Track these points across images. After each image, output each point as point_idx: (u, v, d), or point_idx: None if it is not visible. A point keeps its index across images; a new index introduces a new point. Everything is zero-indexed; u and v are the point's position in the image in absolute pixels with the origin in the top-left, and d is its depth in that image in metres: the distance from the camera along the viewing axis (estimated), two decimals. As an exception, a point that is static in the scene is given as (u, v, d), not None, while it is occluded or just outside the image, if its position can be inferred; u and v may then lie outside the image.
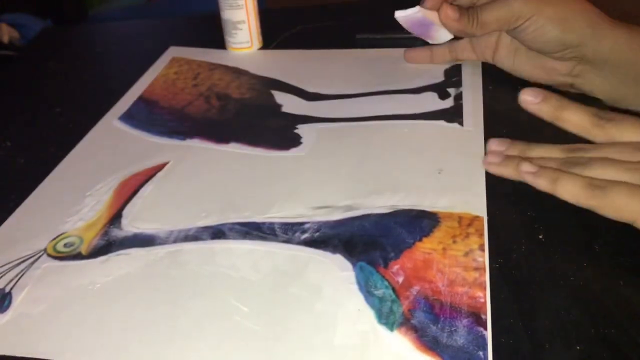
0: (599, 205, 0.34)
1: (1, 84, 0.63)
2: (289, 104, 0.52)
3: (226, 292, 0.34)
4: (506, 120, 0.45)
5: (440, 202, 0.38)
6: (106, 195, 0.42)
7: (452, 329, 0.30)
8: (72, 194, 0.43)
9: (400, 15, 0.50)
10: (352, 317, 0.31)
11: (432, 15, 0.49)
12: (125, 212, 0.41)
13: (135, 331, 0.32)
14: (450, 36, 0.51)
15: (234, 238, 0.37)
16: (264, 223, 0.38)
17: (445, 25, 0.48)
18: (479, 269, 0.33)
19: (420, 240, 0.36)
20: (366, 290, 0.33)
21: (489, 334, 0.30)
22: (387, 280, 0.33)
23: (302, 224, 0.38)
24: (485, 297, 0.32)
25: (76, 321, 0.33)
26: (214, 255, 0.36)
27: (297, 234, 0.37)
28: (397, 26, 0.51)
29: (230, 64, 0.60)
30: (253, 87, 0.55)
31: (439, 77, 0.53)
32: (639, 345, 0.29)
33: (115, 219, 0.40)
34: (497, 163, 0.39)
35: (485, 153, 0.41)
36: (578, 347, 0.29)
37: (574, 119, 0.38)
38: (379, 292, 0.32)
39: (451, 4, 0.48)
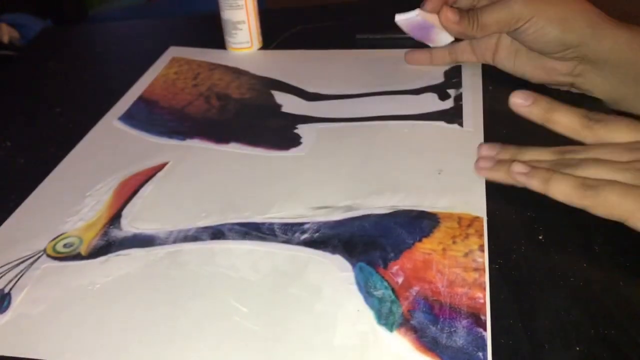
0: (592, 204, 0.34)
1: (1, 84, 0.63)
2: (289, 104, 0.52)
3: (226, 292, 0.34)
4: (506, 120, 0.45)
5: (440, 202, 0.38)
6: (106, 195, 0.42)
7: (452, 329, 0.30)
8: (72, 194, 0.43)
9: (400, 19, 0.50)
10: (352, 318, 0.31)
11: (432, 18, 0.49)
12: (125, 212, 0.41)
13: (135, 331, 0.32)
14: (451, 39, 0.51)
15: (234, 238, 0.37)
16: (263, 223, 0.38)
17: (445, 27, 0.48)
18: (479, 269, 0.33)
19: (420, 240, 0.36)
20: (366, 290, 0.33)
21: (488, 334, 0.30)
22: (386, 280, 0.33)
23: (301, 224, 0.38)
24: (485, 297, 0.32)
25: (76, 322, 0.33)
26: (213, 256, 0.36)
27: (297, 234, 0.37)
28: (397, 26, 0.51)
29: (230, 64, 0.59)
30: (253, 87, 0.55)
31: (439, 78, 0.53)
32: (639, 345, 0.29)
33: (115, 219, 0.40)
34: (488, 167, 0.39)
35: (481, 156, 0.41)
36: (578, 347, 0.29)
37: (564, 121, 0.38)
38: (378, 293, 0.32)
39: (451, 6, 0.48)
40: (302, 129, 0.48)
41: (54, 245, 0.38)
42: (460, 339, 0.29)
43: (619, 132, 0.37)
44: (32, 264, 0.37)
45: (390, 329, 0.30)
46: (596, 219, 0.34)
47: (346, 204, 0.39)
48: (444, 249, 0.35)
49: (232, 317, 0.32)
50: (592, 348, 0.29)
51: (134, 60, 0.63)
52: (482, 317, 0.30)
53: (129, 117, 0.52)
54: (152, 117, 0.52)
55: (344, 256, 0.35)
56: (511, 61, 0.50)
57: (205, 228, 0.38)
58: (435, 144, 0.44)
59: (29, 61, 0.69)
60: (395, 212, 0.38)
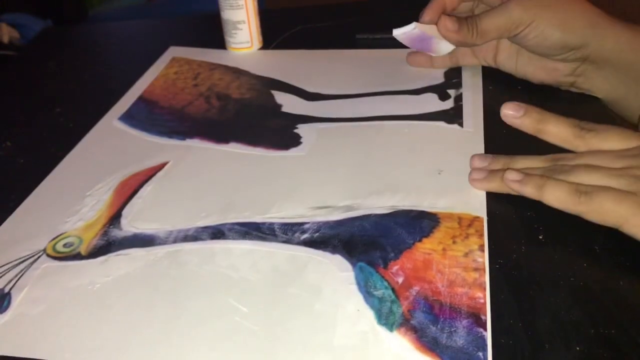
0: (586, 210, 0.34)
1: (1, 84, 0.63)
2: (289, 104, 0.52)
3: (226, 292, 0.34)
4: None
5: (440, 202, 0.38)
6: (106, 195, 0.42)
7: (452, 329, 0.30)
8: (72, 193, 0.43)
9: (398, 33, 0.50)
10: (352, 318, 0.31)
11: (431, 29, 0.49)
12: (125, 212, 0.40)
13: (134, 331, 0.32)
14: (451, 47, 0.51)
15: (234, 238, 0.37)
16: (263, 223, 0.38)
17: (445, 37, 0.48)
18: (479, 269, 0.33)
19: (420, 240, 0.36)
20: (366, 290, 0.33)
21: (488, 334, 0.30)
22: (386, 280, 0.33)
23: (301, 224, 0.38)
24: (485, 297, 0.32)
25: (75, 321, 0.33)
26: (213, 256, 0.36)
27: (297, 234, 0.37)
28: (397, 26, 0.51)
29: (231, 64, 0.59)
30: (253, 87, 0.55)
31: (439, 79, 0.53)
32: (639, 345, 0.29)
33: (115, 219, 0.40)
34: (481, 179, 0.39)
35: (474, 168, 0.41)
36: (578, 347, 0.29)
37: (555, 131, 0.38)
38: (378, 293, 0.32)
39: (449, 15, 0.48)
40: (302, 129, 0.48)
41: (54, 245, 0.38)
42: (460, 339, 0.29)
43: (611, 141, 0.37)
44: (32, 263, 0.37)
45: (390, 329, 0.30)
46: (596, 220, 0.34)
47: (346, 204, 0.39)
48: (444, 249, 0.35)
49: (232, 317, 0.32)
50: (592, 348, 0.29)
51: (134, 60, 0.63)
52: (482, 317, 0.30)
53: (129, 117, 0.52)
54: (152, 117, 0.52)
55: (344, 256, 0.35)
56: (512, 62, 0.50)
57: (205, 228, 0.38)
58: (435, 144, 0.44)
59: (29, 61, 0.69)
60: (395, 212, 0.38)
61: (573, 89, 0.49)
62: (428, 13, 0.49)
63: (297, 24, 0.66)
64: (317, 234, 0.37)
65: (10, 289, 0.35)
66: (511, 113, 0.39)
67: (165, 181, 0.43)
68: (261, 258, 0.36)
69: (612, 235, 0.34)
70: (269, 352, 0.30)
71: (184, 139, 0.48)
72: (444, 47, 0.51)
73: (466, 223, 0.36)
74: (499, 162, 0.39)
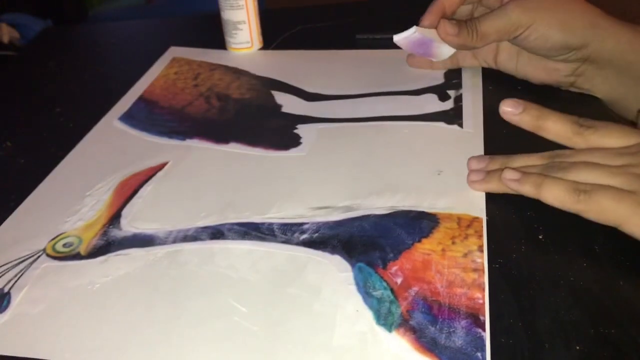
0: (585, 209, 0.34)
1: (1, 84, 0.63)
2: (289, 104, 0.52)
3: (225, 292, 0.34)
4: (506, 121, 0.45)
5: (439, 203, 0.38)
6: (106, 195, 0.42)
7: (451, 330, 0.30)
8: (72, 193, 0.43)
9: (398, 38, 0.50)
10: (351, 318, 0.31)
11: (431, 33, 0.49)
12: (124, 212, 0.41)
13: (134, 331, 0.32)
14: (452, 51, 0.51)
15: (233, 238, 0.37)
16: (263, 223, 0.38)
17: (445, 41, 0.48)
18: (478, 270, 0.33)
19: (419, 241, 0.36)
20: (365, 291, 0.33)
21: (487, 335, 0.30)
22: (385, 281, 0.33)
23: (301, 224, 0.38)
24: (484, 298, 0.32)
25: (75, 321, 0.33)
26: (213, 256, 0.36)
27: (296, 234, 0.37)
28: (397, 26, 0.51)
29: (231, 64, 0.60)
30: (253, 87, 0.55)
31: (439, 79, 0.53)
32: (639, 345, 0.29)
33: (115, 219, 0.40)
34: (480, 180, 0.39)
35: (471, 170, 0.40)
36: (578, 347, 0.29)
37: (554, 128, 0.38)
38: (377, 293, 0.32)
39: (449, 19, 0.48)
40: (302, 129, 0.48)
41: (54, 244, 0.38)
42: (459, 340, 0.29)
43: (610, 138, 0.37)
44: (31, 263, 0.37)
45: (389, 329, 0.30)
46: (596, 220, 0.34)
47: (346, 204, 0.39)
48: (443, 250, 0.35)
49: (231, 317, 0.32)
50: (592, 348, 0.29)
51: (134, 60, 0.64)
52: (481, 318, 0.30)
53: (129, 117, 0.52)
54: (152, 117, 0.52)
55: (343, 256, 0.35)
56: (513, 63, 0.50)
57: (205, 228, 0.38)
58: (435, 145, 0.44)
59: (29, 61, 0.69)
60: (394, 212, 0.38)
61: (573, 89, 0.49)
62: (428, 17, 0.49)
63: (297, 24, 0.66)
64: (316, 235, 0.37)
65: (10, 288, 0.35)
66: (510, 110, 0.39)
67: (165, 181, 0.43)
68: (260, 258, 0.36)
69: (612, 235, 0.34)
70: (268, 352, 0.30)
71: (184, 139, 0.48)
72: (445, 51, 0.51)
73: (465, 224, 0.36)
74: (497, 163, 0.39)
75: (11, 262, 0.37)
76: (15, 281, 0.36)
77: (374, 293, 0.32)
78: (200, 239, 0.38)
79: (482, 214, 0.37)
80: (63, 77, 0.62)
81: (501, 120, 0.39)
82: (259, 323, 0.32)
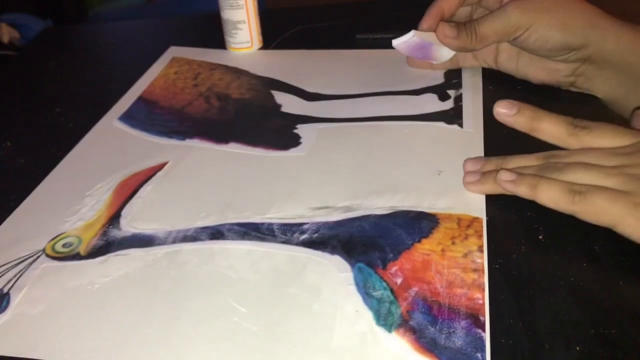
0: (580, 210, 0.34)
1: (1, 84, 0.63)
2: (289, 104, 0.52)
3: (225, 292, 0.34)
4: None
5: (439, 203, 0.38)
6: (105, 195, 0.42)
7: (451, 330, 0.30)
8: (72, 193, 0.43)
9: (397, 43, 0.50)
10: (351, 318, 0.31)
11: (429, 37, 0.49)
12: (124, 212, 0.40)
13: (133, 332, 0.32)
14: (451, 53, 0.51)
15: (233, 239, 0.37)
16: (262, 223, 0.38)
17: (444, 43, 0.48)
18: (478, 270, 0.33)
19: (419, 241, 0.36)
20: (364, 291, 0.33)
21: (487, 335, 0.30)
22: (385, 281, 0.33)
23: (301, 224, 0.38)
24: (484, 298, 0.31)
25: (75, 322, 0.33)
26: (212, 256, 0.36)
27: (296, 234, 0.37)
28: (397, 26, 0.51)
29: (231, 64, 0.59)
30: (253, 87, 0.55)
31: (439, 79, 0.53)
32: (639, 345, 0.29)
33: (114, 219, 0.40)
34: (475, 181, 0.39)
35: (467, 171, 0.40)
36: (578, 347, 0.29)
37: (549, 129, 0.38)
38: (377, 293, 0.32)
39: (448, 21, 0.48)
40: (301, 129, 0.48)
41: (53, 245, 0.38)
42: (458, 340, 0.29)
43: (605, 138, 0.37)
44: (31, 263, 0.37)
45: (389, 330, 0.30)
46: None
47: (345, 205, 0.39)
48: (443, 250, 0.35)
49: (231, 317, 0.32)
50: (592, 348, 0.29)
51: (134, 60, 0.63)
52: (481, 318, 0.30)
53: (129, 117, 0.52)
54: (152, 117, 0.52)
55: (343, 257, 0.35)
56: (513, 64, 0.50)
57: (205, 228, 0.38)
58: (435, 145, 0.44)
59: (29, 61, 0.69)
60: (394, 212, 0.38)
61: (573, 89, 0.49)
62: (426, 20, 0.49)
63: (297, 24, 0.66)
64: (316, 235, 0.37)
65: (10, 289, 0.35)
66: (504, 111, 0.39)
67: (164, 181, 0.43)
68: (260, 258, 0.36)
69: (612, 235, 0.34)
70: (268, 352, 0.30)
71: (183, 139, 0.48)
72: (444, 54, 0.51)
73: (465, 224, 0.36)
74: (492, 164, 0.39)
75: (11, 262, 0.37)
76: (15, 281, 0.36)
77: (374, 293, 0.32)
78: (200, 239, 0.37)
79: (482, 214, 0.37)
80: (63, 77, 0.62)
81: (501, 120, 0.39)
82: (258, 323, 0.32)
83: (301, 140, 0.47)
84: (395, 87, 0.52)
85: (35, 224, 0.40)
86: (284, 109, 0.51)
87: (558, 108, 0.39)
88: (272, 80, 0.56)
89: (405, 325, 0.30)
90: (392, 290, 0.32)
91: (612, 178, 0.34)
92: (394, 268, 0.34)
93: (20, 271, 0.36)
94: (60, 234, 0.39)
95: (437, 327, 0.30)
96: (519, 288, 0.32)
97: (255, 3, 0.60)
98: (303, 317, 0.32)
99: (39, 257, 0.37)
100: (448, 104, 0.49)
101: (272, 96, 0.53)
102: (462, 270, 0.33)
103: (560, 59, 0.46)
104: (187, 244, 0.37)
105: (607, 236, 0.34)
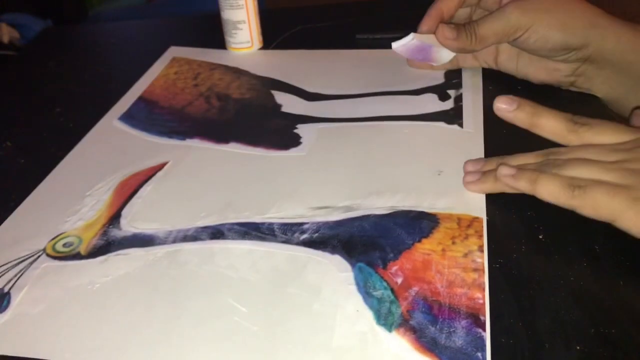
0: (579, 204, 0.33)
1: (1, 84, 0.63)
2: (289, 104, 0.52)
3: (225, 292, 0.34)
4: (506, 121, 0.45)
5: (439, 203, 0.38)
6: (106, 195, 0.42)
7: (451, 330, 0.30)
8: (72, 193, 0.43)
9: (397, 46, 0.50)
10: (351, 318, 0.31)
11: (429, 39, 0.49)
12: (124, 212, 0.40)
13: (134, 331, 0.32)
14: (452, 55, 0.51)
15: (233, 238, 0.37)
16: (263, 223, 0.38)
17: (444, 45, 0.48)
18: (478, 270, 0.33)
19: (419, 241, 0.36)
20: (365, 291, 0.33)
21: (487, 335, 0.30)
22: (386, 281, 0.33)
23: (301, 224, 0.38)
24: (484, 298, 0.32)
25: (75, 321, 0.33)
26: (213, 256, 0.36)
27: (296, 234, 0.37)
28: (397, 26, 0.51)
29: (231, 64, 0.59)
30: (253, 87, 0.55)
31: (439, 79, 0.53)
32: (639, 345, 0.29)
33: (115, 218, 0.40)
34: (475, 180, 0.39)
35: (467, 172, 0.40)
36: (578, 347, 0.29)
37: (549, 125, 0.38)
38: (377, 293, 0.32)
39: (447, 23, 0.48)
40: (302, 129, 0.48)
41: (54, 244, 0.38)
42: (459, 340, 0.29)
43: (605, 135, 0.37)
44: (31, 263, 0.37)
45: (389, 329, 0.30)
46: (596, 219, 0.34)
47: (346, 204, 0.39)
48: (443, 250, 0.35)
49: (231, 317, 0.32)
50: (592, 348, 0.29)
51: (134, 60, 0.63)
52: (482, 318, 0.30)
53: (129, 117, 0.52)
54: (152, 117, 0.52)
55: (343, 256, 0.35)
56: (513, 64, 0.50)
57: (205, 228, 0.38)
58: (435, 145, 0.44)
59: (29, 61, 0.69)
60: (394, 212, 0.38)
61: (573, 88, 0.49)
62: (426, 22, 0.49)
63: (297, 24, 0.66)
64: (316, 234, 0.37)
65: (10, 288, 0.35)
66: (504, 107, 0.38)
67: (165, 181, 0.43)
68: (260, 258, 0.36)
69: (612, 235, 0.34)
70: (268, 352, 0.30)
71: (183, 139, 0.48)
72: (444, 55, 0.51)
73: (465, 224, 0.36)
74: (492, 163, 0.39)
75: (11, 262, 0.37)
76: (15, 281, 0.36)
77: (374, 293, 0.32)
78: (200, 239, 0.37)
79: (482, 214, 0.37)
80: (63, 77, 0.62)
81: (501, 120, 0.39)
82: (259, 323, 0.32)
83: (301, 140, 0.47)
84: (396, 87, 0.52)
85: (36, 223, 0.40)
86: (284, 109, 0.51)
87: (557, 107, 0.39)
88: (273, 80, 0.56)
89: (405, 324, 0.30)
90: (392, 290, 0.32)
91: (611, 173, 0.34)
92: (394, 268, 0.34)
93: (20, 271, 0.36)
94: (61, 234, 0.39)
95: (438, 326, 0.30)
96: (519, 288, 0.32)
97: (256, 3, 0.60)
98: (303, 316, 0.32)
99: (39, 256, 0.37)
100: (448, 104, 0.49)
101: (272, 96, 0.53)
102: (462, 270, 0.33)
103: (561, 59, 0.46)
104: (187, 243, 0.37)
105: (607, 236, 0.35)
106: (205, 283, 0.34)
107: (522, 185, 0.35)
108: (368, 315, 0.31)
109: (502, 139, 0.44)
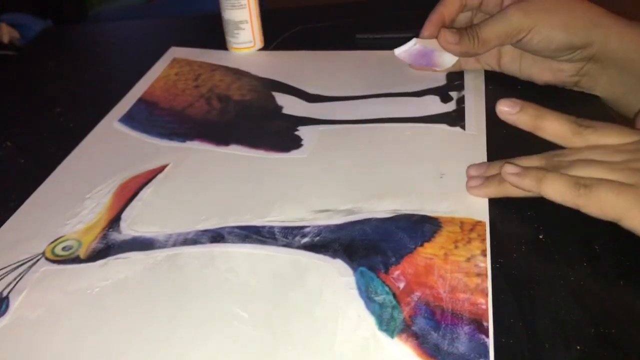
0: (585, 203, 0.33)
1: (1, 84, 0.63)
2: (290, 105, 0.52)
3: (225, 296, 0.33)
4: (508, 123, 0.45)
5: (441, 206, 0.38)
6: (105, 197, 0.42)
7: (454, 335, 0.30)
8: (72, 196, 0.42)
9: (399, 51, 0.50)
10: (352, 323, 0.31)
11: (431, 43, 0.49)
12: (124, 215, 0.40)
13: (133, 335, 0.32)
14: (454, 59, 0.51)
15: (234, 242, 0.37)
16: (263, 227, 0.38)
17: (446, 50, 0.48)
18: (481, 274, 0.33)
19: (421, 245, 0.35)
20: (367, 295, 0.32)
21: (490, 341, 0.29)
22: (387, 285, 0.33)
23: (302, 227, 0.38)
24: (487, 303, 0.31)
25: (74, 325, 0.32)
26: (213, 259, 0.36)
27: (297, 238, 0.37)
28: (397, 26, 0.51)
29: (232, 64, 0.59)
30: (254, 88, 0.55)
31: (441, 81, 0.53)
32: (639, 345, 0.29)
33: (115, 222, 0.40)
34: (479, 185, 0.38)
35: (470, 176, 0.40)
36: (578, 347, 0.29)
37: (553, 127, 0.37)
38: (379, 298, 0.32)
39: (449, 27, 0.48)
40: (303, 131, 0.48)
41: (53, 248, 0.38)
42: (462, 345, 0.29)
43: (609, 137, 0.36)
44: (30, 267, 0.37)
45: (391, 335, 0.30)
46: (597, 219, 0.34)
47: (347, 208, 0.39)
48: (445, 254, 0.34)
49: (231, 321, 0.32)
50: (592, 348, 0.29)
51: (134, 60, 0.63)
52: (485, 323, 0.30)
53: (129, 119, 0.52)
54: (152, 118, 0.51)
55: (344, 260, 0.35)
56: (516, 65, 0.50)
57: (205, 231, 0.38)
58: (438, 147, 0.44)
59: (29, 61, 0.69)
60: (396, 216, 0.38)
61: (576, 88, 0.49)
62: (428, 27, 0.49)
63: (297, 24, 0.66)
64: (317, 238, 0.37)
65: (9, 292, 0.35)
66: (507, 109, 0.38)
67: (165, 184, 0.43)
68: (261, 262, 0.35)
69: (613, 235, 0.34)
70: (269, 356, 0.30)
71: (184, 141, 0.48)
72: (447, 60, 0.51)
73: (468, 227, 0.36)
74: (495, 167, 0.39)
75: (10, 265, 0.37)
76: (14, 285, 0.35)
77: (376, 298, 0.32)
78: (201, 243, 0.37)
79: (485, 217, 0.37)
80: (63, 77, 0.62)
81: (504, 122, 0.39)
82: (259, 327, 0.31)
83: (302, 142, 0.46)
84: (397, 88, 0.52)
85: (35, 226, 0.40)
86: (285, 111, 0.51)
87: (558, 108, 0.39)
88: (273, 81, 0.56)
89: (407, 330, 0.30)
90: (394, 295, 0.32)
91: (617, 172, 0.34)
92: (396, 272, 0.34)
93: (19, 274, 0.36)
94: (60, 237, 0.39)
95: (440, 332, 0.30)
96: (519, 288, 0.32)
97: (257, 2, 0.60)
98: (304, 321, 0.31)
99: (38, 260, 0.37)
100: (450, 106, 0.49)
101: (273, 98, 0.53)
102: (465, 274, 0.33)
103: (565, 59, 0.46)
104: (187, 247, 0.37)
105: (608, 236, 0.34)
106: (206, 287, 0.34)
107: (527, 184, 0.35)
108: (370, 320, 0.31)
109: (505, 141, 0.43)
